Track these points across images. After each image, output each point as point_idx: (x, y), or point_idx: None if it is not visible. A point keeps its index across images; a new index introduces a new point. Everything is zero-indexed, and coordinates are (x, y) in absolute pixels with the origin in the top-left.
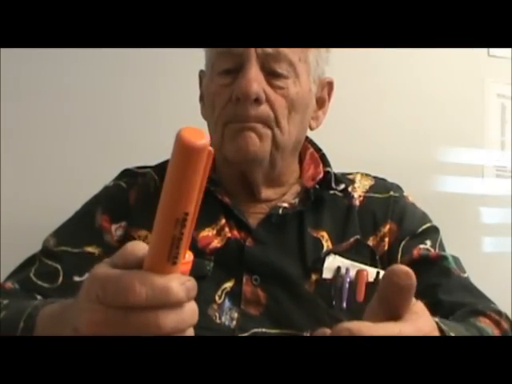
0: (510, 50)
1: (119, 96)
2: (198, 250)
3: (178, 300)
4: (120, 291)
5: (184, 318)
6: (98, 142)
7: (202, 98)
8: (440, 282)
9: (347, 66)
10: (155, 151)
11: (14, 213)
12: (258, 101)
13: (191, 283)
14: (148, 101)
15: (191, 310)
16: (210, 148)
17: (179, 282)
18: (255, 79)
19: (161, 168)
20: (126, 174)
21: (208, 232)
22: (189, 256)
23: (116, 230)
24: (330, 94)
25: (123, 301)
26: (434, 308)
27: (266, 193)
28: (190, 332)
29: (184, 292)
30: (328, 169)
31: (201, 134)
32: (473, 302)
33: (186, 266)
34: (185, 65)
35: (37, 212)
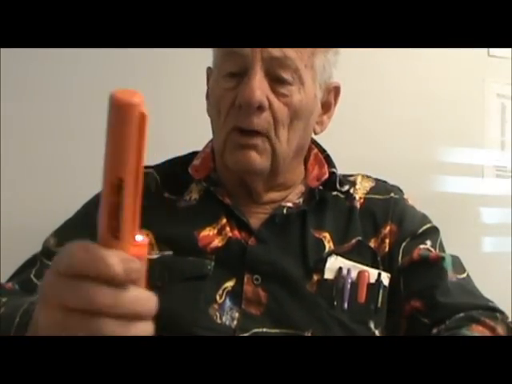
0: (510, 49)
1: None
2: (198, 249)
3: (112, 273)
4: (64, 257)
5: (122, 300)
6: (99, 141)
7: (208, 96)
8: (437, 283)
9: (347, 66)
10: (157, 151)
11: (13, 213)
12: (260, 108)
13: (135, 264)
14: (149, 100)
15: (134, 296)
16: (144, 111)
17: (118, 257)
18: (259, 87)
19: (162, 168)
20: None
21: (209, 231)
22: (143, 240)
23: None
24: (336, 99)
25: (64, 267)
26: (433, 310)
27: (269, 196)
28: (146, 326)
29: (121, 268)
30: (333, 169)
31: (134, 95)
32: (470, 303)
33: (139, 248)
34: (188, 65)
35: (37, 212)
